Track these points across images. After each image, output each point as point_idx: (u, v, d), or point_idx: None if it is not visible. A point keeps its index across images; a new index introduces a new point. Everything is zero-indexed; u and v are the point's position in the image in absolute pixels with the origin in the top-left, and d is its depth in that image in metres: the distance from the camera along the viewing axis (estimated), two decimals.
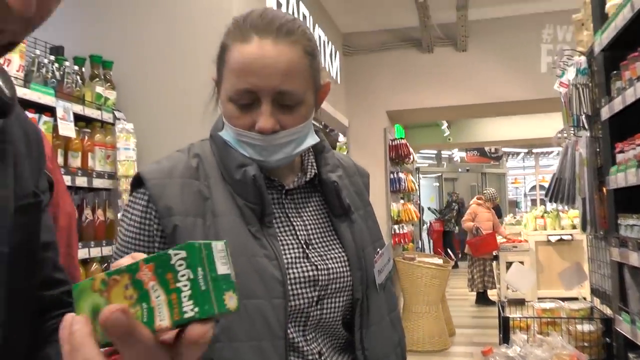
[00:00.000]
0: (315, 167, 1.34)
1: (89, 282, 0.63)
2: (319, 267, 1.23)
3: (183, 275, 0.58)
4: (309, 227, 1.29)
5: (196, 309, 0.57)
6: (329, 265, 1.25)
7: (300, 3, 5.18)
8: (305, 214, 1.30)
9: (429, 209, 18.34)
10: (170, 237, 1.17)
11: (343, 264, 1.27)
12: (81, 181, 3.12)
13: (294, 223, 1.27)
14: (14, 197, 0.86)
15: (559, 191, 3.41)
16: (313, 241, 1.27)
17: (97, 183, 3.27)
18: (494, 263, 9.73)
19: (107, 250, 3.30)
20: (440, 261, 7.55)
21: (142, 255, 0.64)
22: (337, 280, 1.25)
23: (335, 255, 1.28)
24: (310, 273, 1.22)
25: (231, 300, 0.61)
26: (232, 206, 1.21)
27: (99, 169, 3.31)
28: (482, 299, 10.08)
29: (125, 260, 0.64)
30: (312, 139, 1.28)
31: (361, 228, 1.34)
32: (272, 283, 1.16)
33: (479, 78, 7.35)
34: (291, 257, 1.22)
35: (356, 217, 1.34)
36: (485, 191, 10.85)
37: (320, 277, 1.22)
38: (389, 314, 1.35)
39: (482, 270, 9.84)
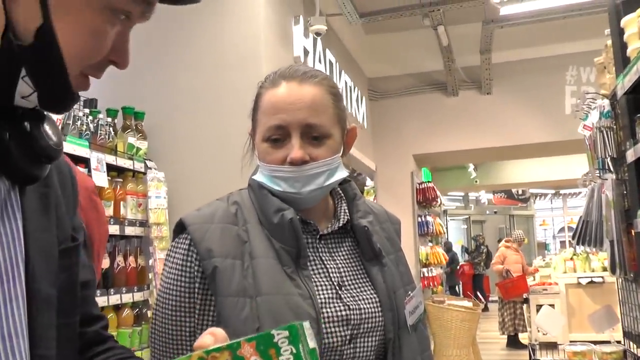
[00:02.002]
0: (347, 214, 1.40)
1: (186, 358, 0.72)
2: (351, 307, 1.28)
3: (286, 350, 0.70)
4: (341, 269, 1.34)
5: None
6: (361, 306, 1.30)
7: (327, 50, 5.29)
8: (338, 257, 1.36)
9: (463, 248, 18.16)
10: (210, 277, 1.24)
11: (375, 304, 1.32)
12: (113, 229, 3.20)
13: (328, 265, 1.33)
14: (57, 242, 0.91)
15: (586, 234, 3.39)
16: (346, 283, 1.32)
17: (129, 231, 3.35)
18: (525, 306, 9.59)
19: (138, 296, 3.35)
20: (469, 304, 7.47)
21: (221, 332, 0.78)
22: (369, 320, 1.30)
23: (367, 296, 1.32)
24: (343, 313, 1.27)
25: None
26: (269, 249, 1.27)
27: (130, 217, 3.39)
28: (513, 342, 9.92)
29: (208, 339, 0.78)
30: (342, 173, 1.35)
31: (392, 271, 1.39)
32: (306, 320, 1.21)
33: (504, 120, 7.38)
34: (324, 297, 1.27)
35: (387, 261, 1.39)
36: (513, 233, 10.88)
37: (352, 317, 1.27)
38: (421, 354, 1.39)
39: (513, 313, 9.72)
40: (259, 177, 1.34)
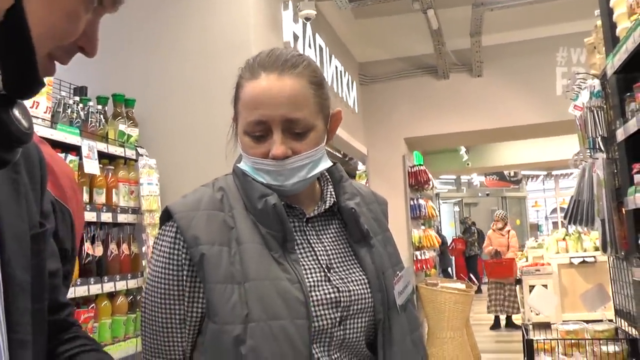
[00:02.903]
0: (334, 196, 1.40)
1: None
2: (340, 289, 1.29)
3: None
4: (329, 251, 1.35)
5: None
6: (350, 288, 1.31)
7: (317, 35, 5.28)
8: (326, 240, 1.37)
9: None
10: (198, 264, 1.24)
11: (364, 286, 1.33)
12: (106, 217, 3.20)
13: (315, 248, 1.34)
14: (28, 228, 0.92)
15: (577, 213, 3.42)
16: (334, 265, 1.33)
17: (122, 218, 3.34)
18: (517, 287, 9.67)
19: (132, 284, 3.36)
20: (463, 286, 7.52)
21: None
22: (358, 301, 1.31)
23: (356, 277, 1.33)
24: (332, 295, 1.28)
25: None
26: (255, 234, 1.28)
27: (123, 204, 3.39)
28: (498, 324, 10.14)
29: None
30: (325, 164, 1.35)
31: (380, 252, 1.39)
32: (295, 305, 1.22)
33: (495, 103, 7.39)
34: (313, 281, 1.28)
35: (375, 242, 1.40)
36: (494, 214, 11.48)
37: (342, 299, 1.28)
38: (411, 334, 1.39)
39: (502, 295, 9.87)
40: (243, 166, 1.34)
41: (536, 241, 12.23)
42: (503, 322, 10.28)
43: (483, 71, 7.46)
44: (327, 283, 1.29)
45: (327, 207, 1.38)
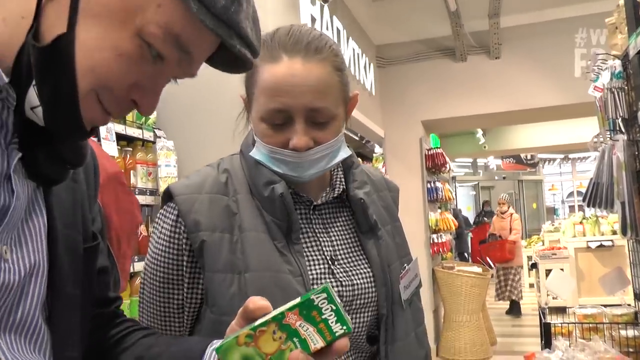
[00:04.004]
0: (343, 183, 1.35)
1: (233, 340, 0.80)
2: (343, 283, 1.25)
3: (327, 309, 0.80)
4: (335, 243, 1.30)
5: (344, 327, 0.81)
6: (354, 281, 1.26)
7: (334, 17, 5.24)
8: (332, 230, 1.32)
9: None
10: (198, 251, 1.20)
11: (368, 279, 1.28)
12: None
13: (321, 239, 1.29)
14: (82, 240, 0.91)
15: (596, 196, 3.39)
16: (339, 257, 1.28)
17: (140, 200, 3.35)
18: (534, 271, 9.65)
19: (140, 266, 3.36)
20: (479, 270, 7.51)
21: (265, 304, 0.83)
22: (361, 296, 1.26)
23: (361, 271, 1.29)
24: (335, 289, 1.23)
25: (350, 321, 0.83)
26: (259, 222, 1.23)
27: (141, 186, 3.40)
28: (511, 310, 10.04)
29: (260, 308, 0.84)
30: (344, 152, 1.29)
31: (388, 244, 1.34)
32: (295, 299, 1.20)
33: (513, 85, 7.32)
34: (316, 273, 1.24)
35: (383, 233, 1.34)
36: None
37: (344, 293, 1.24)
38: (415, 329, 1.36)
39: (504, 280, 9.81)
40: (256, 154, 1.26)
41: (552, 225, 12.20)
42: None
43: (501, 53, 7.38)
44: (331, 276, 1.25)
45: (335, 194, 1.33)
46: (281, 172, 1.23)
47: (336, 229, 1.32)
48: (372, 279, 1.28)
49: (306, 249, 1.26)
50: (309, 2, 4.53)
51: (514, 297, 9.77)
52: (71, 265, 0.87)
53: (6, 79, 0.73)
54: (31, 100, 0.75)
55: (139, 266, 3.35)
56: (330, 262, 1.27)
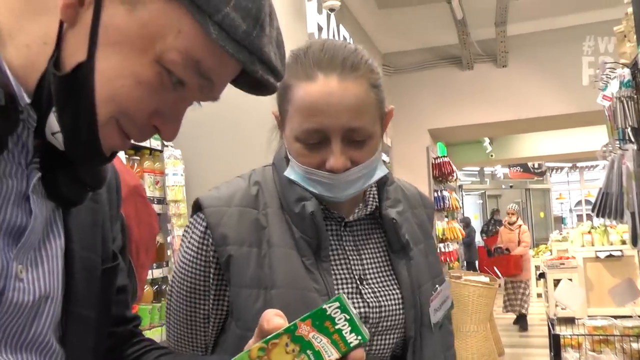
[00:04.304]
0: (376, 200, 1.30)
1: (245, 354, 0.79)
2: (370, 304, 1.21)
3: (340, 319, 0.78)
4: (365, 261, 1.26)
5: (359, 337, 0.78)
6: (382, 303, 1.22)
7: (341, 26, 5.25)
8: (363, 248, 1.28)
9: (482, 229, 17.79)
10: (225, 265, 1.19)
11: (396, 301, 1.24)
12: None
13: (350, 257, 1.25)
14: (100, 261, 0.91)
15: (606, 206, 3.37)
16: (368, 277, 1.24)
17: None
18: (542, 281, 9.57)
19: (157, 273, 3.37)
20: (487, 279, 7.47)
21: (280, 323, 0.81)
22: (388, 318, 1.22)
23: (389, 292, 1.24)
24: (362, 310, 1.20)
25: (366, 331, 0.80)
26: (288, 237, 1.20)
27: (148, 194, 3.39)
28: (517, 321, 9.74)
29: (270, 324, 0.82)
30: (381, 171, 1.25)
31: (419, 264, 1.30)
32: None
33: (520, 93, 7.30)
34: (343, 293, 1.16)
35: (415, 253, 1.30)
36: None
37: (371, 315, 1.20)
38: (444, 352, 1.32)
39: (513, 293, 9.51)
40: (291, 173, 1.22)
41: (560, 234, 12.12)
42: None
43: (508, 61, 7.39)
44: (358, 296, 1.21)
45: (368, 211, 1.28)
46: (316, 193, 1.20)
47: (367, 247, 1.28)
48: (400, 301, 1.24)
49: (334, 267, 1.23)
50: (315, 11, 4.54)
51: (523, 311, 9.51)
52: (87, 287, 0.87)
53: (28, 100, 0.74)
54: (52, 126, 0.75)
55: (156, 273, 3.36)
56: (358, 282, 1.23)
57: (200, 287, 1.24)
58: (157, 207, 3.42)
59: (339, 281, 1.22)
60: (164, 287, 3.47)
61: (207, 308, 1.24)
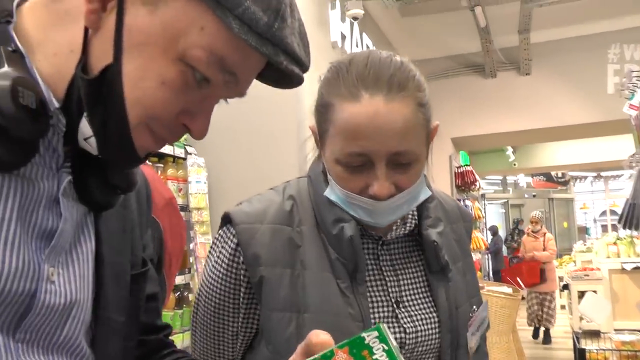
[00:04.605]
0: (415, 218, 1.24)
1: None
2: (407, 330, 1.16)
3: (378, 349, 0.76)
4: (401, 282, 1.20)
5: None
6: (418, 328, 1.17)
7: (364, 34, 5.25)
8: (400, 269, 1.22)
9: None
10: (256, 286, 1.15)
11: (433, 325, 1.18)
12: None
13: (387, 278, 1.20)
14: (129, 266, 0.92)
15: (633, 217, 3.31)
16: (404, 299, 1.19)
17: None
18: (565, 292, 9.41)
19: (180, 280, 3.38)
20: (509, 290, 7.38)
21: (327, 340, 0.78)
22: (424, 343, 1.17)
23: (426, 316, 1.19)
24: (397, 335, 1.15)
25: None
26: (323, 258, 1.15)
27: None
28: (536, 336, 9.44)
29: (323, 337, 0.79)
30: (424, 194, 1.18)
31: (457, 285, 1.24)
32: None
33: (543, 101, 7.24)
34: (379, 318, 1.15)
35: (454, 274, 1.24)
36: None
37: (407, 341, 1.15)
38: None
39: (538, 305, 9.20)
40: (331, 194, 1.16)
41: (584, 245, 11.94)
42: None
43: (531, 69, 7.33)
44: (394, 320, 1.16)
45: (406, 231, 1.22)
46: (357, 217, 1.14)
47: (404, 267, 1.22)
48: (437, 324, 1.18)
49: (370, 290, 1.17)
50: (338, 20, 4.54)
51: (549, 326, 9.19)
52: (117, 291, 0.88)
53: (57, 104, 0.75)
54: (84, 131, 0.76)
55: (179, 280, 3.37)
56: (395, 305, 1.18)
57: (229, 305, 1.20)
58: None
59: (375, 304, 1.16)
60: (185, 293, 3.49)
61: (236, 326, 1.21)
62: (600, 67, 6.98)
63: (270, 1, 0.73)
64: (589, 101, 7.02)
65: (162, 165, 3.40)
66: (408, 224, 1.22)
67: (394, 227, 1.21)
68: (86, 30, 0.73)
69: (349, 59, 1.13)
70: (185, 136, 2.92)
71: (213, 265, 1.21)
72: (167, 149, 3.42)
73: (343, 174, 1.11)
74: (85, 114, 0.75)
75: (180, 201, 3.47)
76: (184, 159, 3.56)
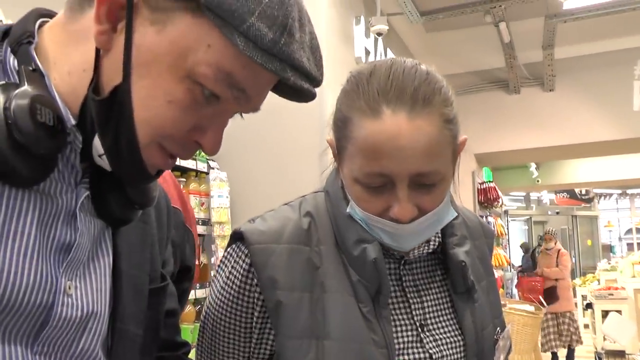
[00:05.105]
0: (439, 237, 1.16)
1: None
2: (433, 355, 1.09)
3: None
4: (426, 304, 1.14)
5: None
6: (444, 353, 1.11)
7: (388, 50, 5.25)
8: (424, 289, 1.15)
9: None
10: (273, 312, 1.07)
11: (458, 349, 1.13)
12: None
13: (411, 300, 1.13)
14: (148, 280, 0.93)
15: None
16: (429, 322, 1.13)
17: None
18: (589, 311, 9.24)
19: (200, 293, 3.39)
20: (532, 308, 7.29)
21: None
22: None
23: (452, 340, 1.13)
24: None
25: None
26: (344, 280, 1.08)
27: None
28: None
29: None
30: (450, 215, 1.10)
31: (482, 305, 1.18)
32: None
33: (567, 118, 7.17)
34: (403, 343, 1.09)
35: (479, 294, 1.17)
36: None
37: None
38: None
39: (552, 327, 8.60)
40: (354, 214, 1.08)
41: (609, 263, 11.77)
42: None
43: (555, 85, 7.26)
44: (419, 345, 1.10)
45: (430, 250, 1.15)
46: (379, 240, 1.07)
47: (428, 288, 1.16)
48: (462, 349, 1.12)
49: (394, 314, 1.10)
50: (363, 35, 4.55)
51: (574, 345, 8.58)
52: (135, 305, 0.89)
53: (73, 122, 0.77)
54: (98, 149, 0.78)
55: (200, 293, 3.39)
56: (419, 329, 1.11)
57: (241, 330, 1.12)
58: (201, 229, 3.45)
59: (399, 329, 1.10)
60: None
61: (247, 351, 1.13)
62: (625, 83, 6.92)
63: (276, 17, 0.73)
64: (614, 118, 6.94)
65: (184, 179, 3.42)
66: (432, 243, 1.15)
67: (417, 248, 1.14)
68: (97, 50, 0.75)
69: (370, 70, 1.05)
70: None
71: (222, 286, 1.14)
72: (189, 164, 3.44)
73: (362, 194, 1.04)
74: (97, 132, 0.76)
75: (202, 215, 3.49)
76: (207, 173, 3.58)
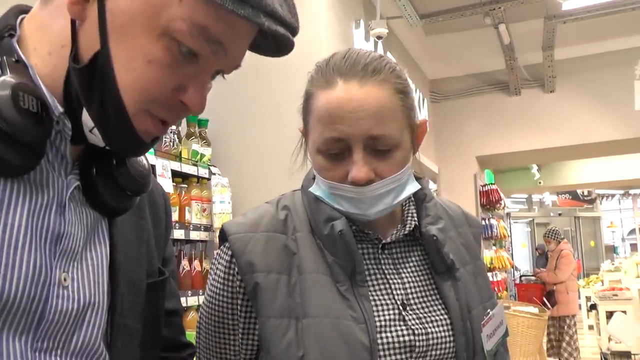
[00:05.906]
0: (415, 219, 1.20)
1: None
2: (416, 331, 1.10)
3: None
4: (407, 285, 1.16)
5: None
6: (429, 330, 1.11)
7: (388, 53, 5.26)
8: (404, 271, 1.17)
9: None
10: (252, 294, 1.11)
11: (445, 327, 1.13)
12: (178, 234, 3.24)
13: (391, 281, 1.15)
14: (145, 275, 0.92)
15: None
16: (411, 301, 1.14)
17: (194, 235, 3.38)
18: (593, 312, 9.20)
19: (203, 299, 3.38)
20: (536, 310, 7.27)
21: None
22: (437, 346, 1.11)
23: (437, 317, 1.14)
24: (406, 338, 1.09)
25: None
26: (320, 263, 1.12)
27: (195, 221, 3.42)
28: None
29: None
30: (412, 187, 1.16)
31: (468, 286, 1.19)
32: (357, 349, 1.05)
33: (568, 119, 7.16)
34: (384, 320, 1.10)
35: (462, 274, 1.19)
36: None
37: (417, 343, 1.09)
38: None
39: (556, 333, 8.31)
40: (316, 190, 1.16)
41: (612, 264, 11.75)
42: None
43: (556, 86, 7.26)
44: (401, 323, 1.10)
45: (406, 231, 1.18)
46: (343, 210, 1.12)
47: (408, 269, 1.18)
48: (449, 327, 1.13)
49: (373, 293, 1.12)
50: (362, 39, 4.55)
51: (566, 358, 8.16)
52: (132, 299, 0.88)
53: (61, 109, 0.77)
54: (87, 123, 0.78)
55: (203, 299, 3.37)
56: (401, 308, 1.12)
57: (228, 321, 1.16)
58: (203, 235, 3.45)
59: (379, 307, 1.11)
60: None
61: (237, 343, 1.16)
62: (626, 83, 6.91)
63: None
64: (616, 118, 6.93)
65: (186, 185, 3.42)
66: (408, 225, 1.19)
67: (394, 231, 1.19)
68: (73, 22, 0.75)
69: (331, 55, 1.16)
70: (209, 156, 2.98)
71: (211, 283, 1.20)
72: (191, 170, 3.44)
73: (324, 163, 1.12)
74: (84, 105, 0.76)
75: (204, 221, 3.49)
76: (208, 179, 3.58)
